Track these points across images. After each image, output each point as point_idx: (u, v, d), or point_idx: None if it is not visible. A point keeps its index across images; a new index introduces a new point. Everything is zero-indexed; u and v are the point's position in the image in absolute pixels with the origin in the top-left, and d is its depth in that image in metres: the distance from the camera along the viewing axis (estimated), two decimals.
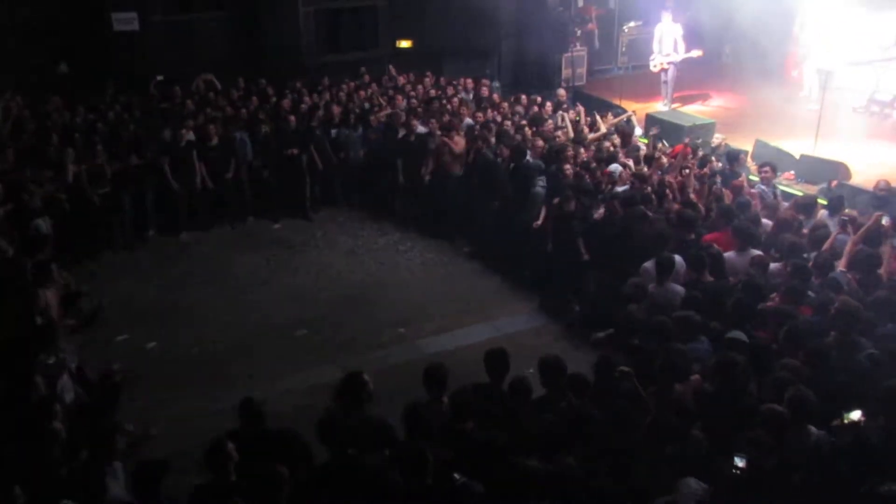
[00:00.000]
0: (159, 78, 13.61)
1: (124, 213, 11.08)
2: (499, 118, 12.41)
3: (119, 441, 5.16)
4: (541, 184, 9.87)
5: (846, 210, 8.65)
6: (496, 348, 5.83)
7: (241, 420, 5.26)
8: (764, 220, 8.31)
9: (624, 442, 4.86)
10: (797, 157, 11.67)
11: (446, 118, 12.09)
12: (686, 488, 4.50)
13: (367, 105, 13.17)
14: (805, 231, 8.12)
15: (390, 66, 15.09)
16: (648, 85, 15.54)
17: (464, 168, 11.38)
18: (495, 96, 14.05)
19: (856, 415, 4.94)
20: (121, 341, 8.83)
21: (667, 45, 14.52)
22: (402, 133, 11.99)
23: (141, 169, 11.09)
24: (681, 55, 14.41)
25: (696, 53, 14.40)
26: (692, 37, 14.74)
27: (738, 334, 5.95)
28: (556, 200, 9.35)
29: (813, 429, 4.98)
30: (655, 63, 14.76)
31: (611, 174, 9.67)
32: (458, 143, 11.38)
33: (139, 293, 10.06)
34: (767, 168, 9.68)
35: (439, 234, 11.54)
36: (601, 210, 8.85)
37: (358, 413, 5.26)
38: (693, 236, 8.01)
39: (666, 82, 14.79)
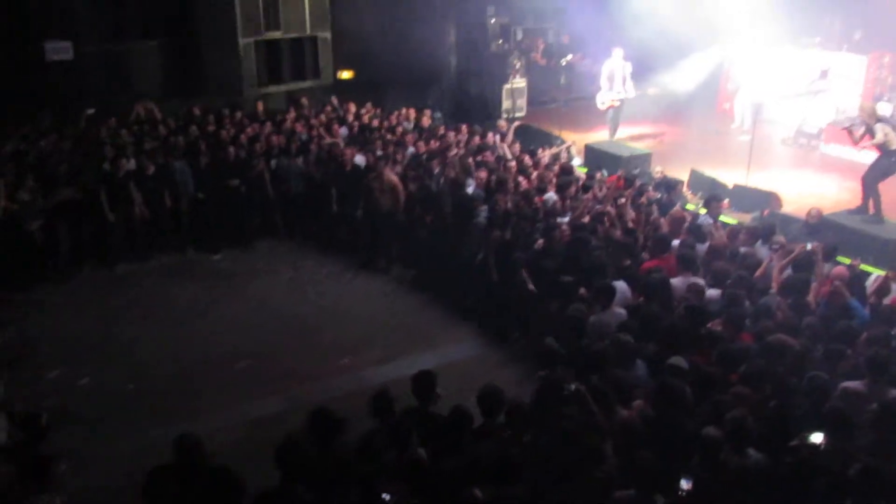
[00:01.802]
0: (90, 111, 13.34)
1: (59, 245, 10.76)
2: (441, 148, 12.49)
3: (56, 469, 4.99)
4: (483, 214, 9.93)
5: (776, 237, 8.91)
6: (422, 371, 5.83)
7: (176, 455, 5.11)
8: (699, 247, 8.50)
9: (570, 464, 4.87)
10: (731, 186, 12.01)
11: (390, 148, 12.12)
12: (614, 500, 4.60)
13: (305, 136, 13.08)
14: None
15: (332, 98, 15.10)
16: (588, 116, 15.87)
17: (404, 198, 11.36)
18: (440, 129, 14.15)
19: (817, 437, 5.04)
20: (52, 378, 8.53)
21: (617, 83, 14.53)
22: (339, 163, 11.92)
23: (77, 202, 10.81)
24: (631, 93, 14.56)
25: (651, 90, 14.55)
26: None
27: (679, 360, 6.04)
28: (495, 232, 9.43)
29: (752, 451, 5.07)
30: (605, 101, 14.74)
31: (545, 202, 9.79)
32: (389, 177, 11.17)
33: (73, 327, 9.74)
34: (726, 202, 9.94)
35: (376, 265, 11.48)
36: (540, 240, 8.93)
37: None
38: (629, 262, 8.15)
39: (612, 119, 14.82)
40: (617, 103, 14.64)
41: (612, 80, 14.54)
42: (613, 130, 14.88)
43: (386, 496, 4.44)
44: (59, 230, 10.71)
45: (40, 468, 4.94)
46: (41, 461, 5.00)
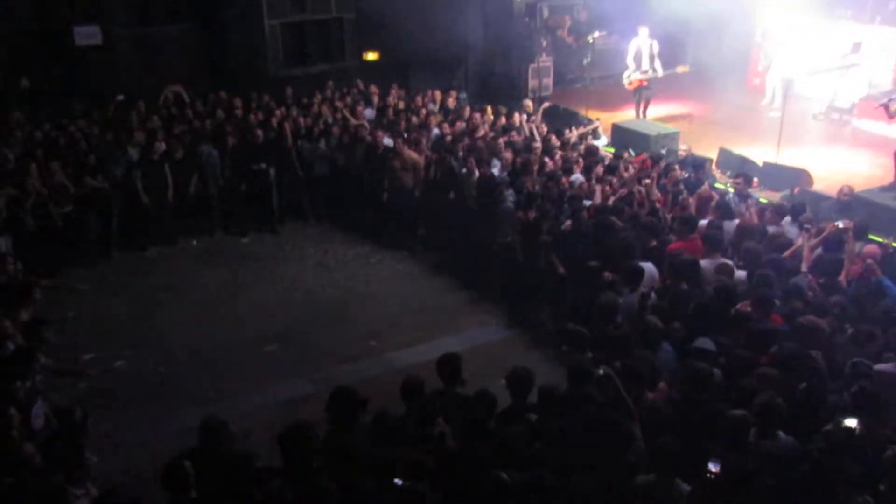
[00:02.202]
0: (120, 97, 13.45)
1: (89, 232, 10.92)
2: (467, 129, 12.45)
3: (89, 460, 5.09)
4: (510, 198, 9.89)
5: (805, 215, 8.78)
6: (447, 354, 5.84)
7: (200, 439, 5.17)
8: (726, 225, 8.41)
9: (595, 450, 4.88)
10: (760, 164, 11.84)
11: (413, 133, 12.12)
12: (637, 482, 4.62)
13: (330, 119, 13.09)
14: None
15: (358, 81, 15.07)
16: (615, 95, 15.69)
17: (427, 180, 11.38)
18: (465, 109, 14.09)
19: (851, 422, 5.00)
20: (88, 360, 8.68)
21: (645, 61, 14.27)
22: (367, 145, 11.96)
23: (107, 190, 10.95)
24: (660, 72, 14.37)
25: (681, 69, 14.27)
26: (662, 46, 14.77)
27: (706, 342, 6.00)
28: (519, 213, 9.41)
29: (782, 434, 5.04)
30: (631, 78, 14.56)
31: (572, 183, 9.72)
32: (410, 154, 11.33)
33: (105, 310, 9.92)
34: (740, 179, 9.78)
35: (402, 246, 11.52)
36: (569, 221, 8.88)
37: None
38: (656, 243, 8.08)
39: (639, 98, 14.60)
40: (645, 83, 14.43)
41: (639, 59, 14.32)
42: (642, 109, 14.67)
43: (398, 481, 4.45)
44: (89, 217, 10.85)
45: (71, 460, 5.01)
46: (73, 453, 5.07)
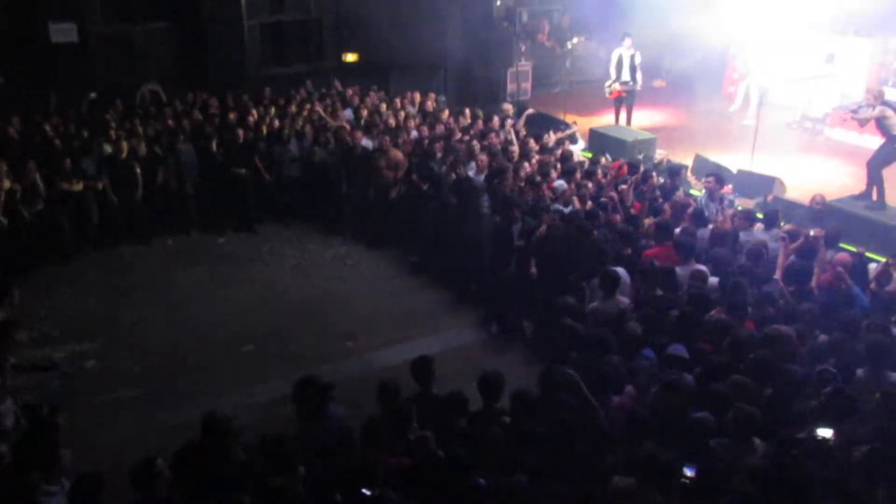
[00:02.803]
0: (92, 95, 13.33)
1: (63, 231, 10.83)
2: (445, 132, 12.50)
3: (65, 458, 5.06)
4: (486, 204, 9.93)
5: (782, 223, 8.92)
6: (420, 356, 5.94)
7: (203, 434, 5.17)
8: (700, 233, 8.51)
9: (570, 454, 4.93)
10: (734, 171, 12.00)
11: (398, 137, 12.16)
12: (613, 484, 4.66)
13: (303, 120, 13.06)
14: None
15: (336, 81, 15.07)
16: (594, 100, 15.81)
17: (405, 181, 11.45)
18: (444, 112, 14.12)
19: (826, 432, 5.09)
20: (59, 359, 8.60)
21: (625, 72, 14.32)
22: (345, 146, 11.97)
23: (80, 192, 10.86)
24: (639, 84, 14.43)
25: (657, 83, 14.34)
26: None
27: (679, 349, 6.08)
28: (495, 218, 9.47)
29: (757, 440, 5.13)
30: (611, 88, 14.61)
31: (554, 189, 9.79)
32: (396, 154, 11.45)
33: (79, 308, 9.86)
34: (711, 178, 9.87)
35: (383, 246, 11.57)
36: (543, 227, 8.92)
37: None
38: (630, 251, 8.17)
39: (619, 108, 14.68)
40: (623, 94, 14.50)
41: (620, 69, 14.42)
42: (625, 118, 14.69)
43: (366, 492, 4.49)
44: (60, 215, 10.75)
45: (45, 457, 4.98)
46: (45, 450, 5.05)
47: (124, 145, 11.27)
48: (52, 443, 5.23)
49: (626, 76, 14.33)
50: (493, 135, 12.34)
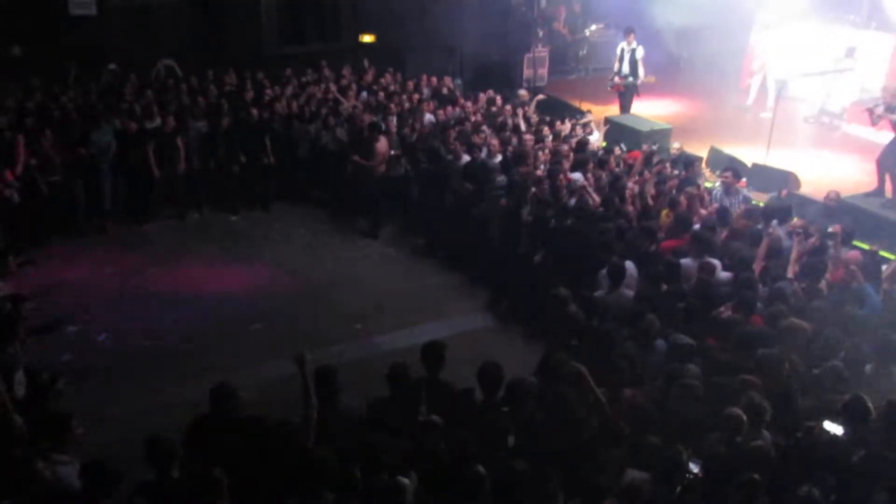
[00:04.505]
0: (112, 66, 13.36)
1: (77, 202, 10.87)
2: (461, 115, 12.48)
3: (77, 427, 5.10)
4: (501, 186, 9.92)
5: (795, 220, 8.85)
6: (431, 341, 5.93)
7: (212, 406, 5.22)
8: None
9: (570, 443, 4.95)
10: (749, 165, 11.91)
11: (403, 116, 12.17)
12: (628, 478, 4.64)
13: (323, 100, 13.05)
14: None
15: (365, 60, 15.00)
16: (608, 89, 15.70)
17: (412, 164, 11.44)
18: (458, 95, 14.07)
19: (832, 426, 5.08)
20: (71, 332, 8.67)
21: (625, 66, 14.17)
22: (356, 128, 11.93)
23: (91, 159, 10.88)
24: (638, 79, 14.32)
25: (649, 79, 14.22)
26: (650, 42, 14.74)
27: (684, 339, 6.07)
28: (503, 201, 9.47)
29: (765, 432, 5.13)
30: (613, 82, 14.55)
31: (571, 182, 9.72)
32: (382, 143, 11.32)
33: (92, 282, 9.92)
34: (728, 173, 9.82)
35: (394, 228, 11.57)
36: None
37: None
38: (654, 247, 8.13)
39: (622, 101, 14.52)
40: (622, 88, 14.40)
41: (622, 62, 14.33)
42: (624, 110, 14.61)
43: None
44: (75, 187, 10.80)
45: (56, 426, 5.03)
46: (57, 419, 5.10)
47: (170, 120, 11.33)
48: (58, 413, 5.28)
49: (625, 70, 14.23)
50: (506, 120, 12.30)
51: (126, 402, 7.55)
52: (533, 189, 9.36)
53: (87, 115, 11.44)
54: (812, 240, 7.91)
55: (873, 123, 11.02)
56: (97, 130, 10.99)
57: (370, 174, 11.28)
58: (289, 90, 13.25)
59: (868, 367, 6.00)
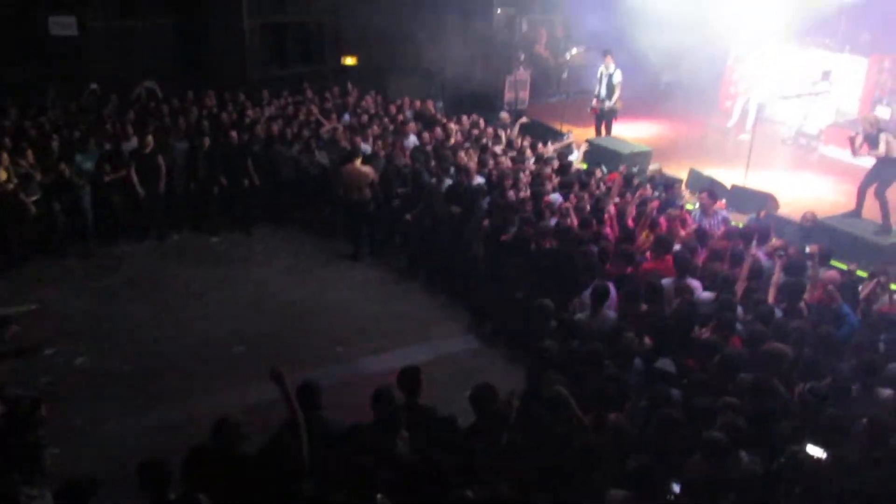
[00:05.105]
0: (93, 86, 13.33)
1: (57, 223, 10.80)
2: (443, 137, 12.54)
3: (46, 458, 5.02)
4: (485, 207, 9.96)
5: (774, 240, 8.94)
6: (407, 367, 5.91)
7: (213, 439, 5.15)
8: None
9: (556, 465, 4.94)
10: (728, 187, 12.05)
11: (388, 138, 12.17)
12: (610, 498, 4.65)
13: (305, 122, 13.07)
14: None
15: (348, 83, 15.07)
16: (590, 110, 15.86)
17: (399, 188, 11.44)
18: (441, 117, 14.15)
19: (814, 450, 5.11)
20: (48, 355, 8.58)
21: (602, 90, 14.41)
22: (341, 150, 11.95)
23: (73, 180, 10.82)
24: (611, 103, 14.39)
25: (616, 105, 14.38)
26: (631, 65, 14.94)
27: (666, 363, 6.08)
28: (485, 222, 9.50)
29: (743, 453, 5.15)
30: (593, 105, 14.76)
31: (550, 204, 9.78)
32: (361, 169, 11.23)
33: (70, 304, 9.81)
34: (704, 194, 9.92)
35: (376, 250, 11.57)
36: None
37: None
38: (631, 269, 8.16)
39: (598, 125, 14.73)
40: (597, 111, 14.56)
41: (599, 86, 14.49)
42: (600, 133, 14.77)
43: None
44: (54, 207, 10.71)
45: (28, 457, 4.95)
46: (29, 449, 5.01)
47: (149, 139, 11.29)
48: (33, 443, 5.19)
49: (603, 94, 14.38)
50: (487, 143, 12.38)
51: (104, 426, 7.44)
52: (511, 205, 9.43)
53: (67, 136, 11.38)
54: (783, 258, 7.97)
55: (854, 154, 11.10)
56: (82, 153, 10.94)
57: (352, 197, 11.27)
58: (268, 112, 13.25)
59: (854, 388, 6.05)
